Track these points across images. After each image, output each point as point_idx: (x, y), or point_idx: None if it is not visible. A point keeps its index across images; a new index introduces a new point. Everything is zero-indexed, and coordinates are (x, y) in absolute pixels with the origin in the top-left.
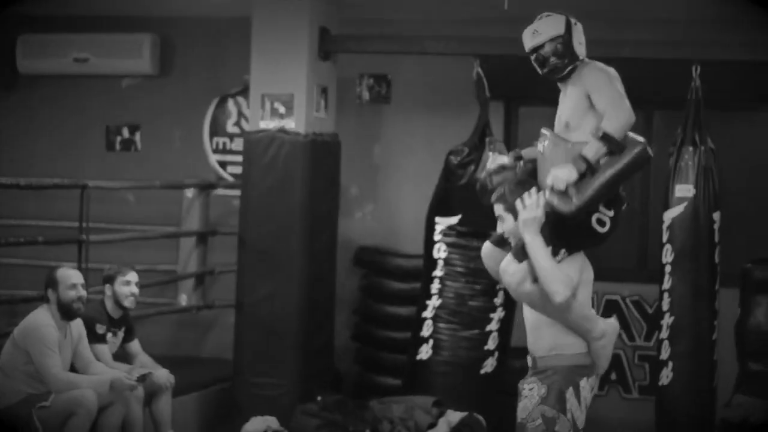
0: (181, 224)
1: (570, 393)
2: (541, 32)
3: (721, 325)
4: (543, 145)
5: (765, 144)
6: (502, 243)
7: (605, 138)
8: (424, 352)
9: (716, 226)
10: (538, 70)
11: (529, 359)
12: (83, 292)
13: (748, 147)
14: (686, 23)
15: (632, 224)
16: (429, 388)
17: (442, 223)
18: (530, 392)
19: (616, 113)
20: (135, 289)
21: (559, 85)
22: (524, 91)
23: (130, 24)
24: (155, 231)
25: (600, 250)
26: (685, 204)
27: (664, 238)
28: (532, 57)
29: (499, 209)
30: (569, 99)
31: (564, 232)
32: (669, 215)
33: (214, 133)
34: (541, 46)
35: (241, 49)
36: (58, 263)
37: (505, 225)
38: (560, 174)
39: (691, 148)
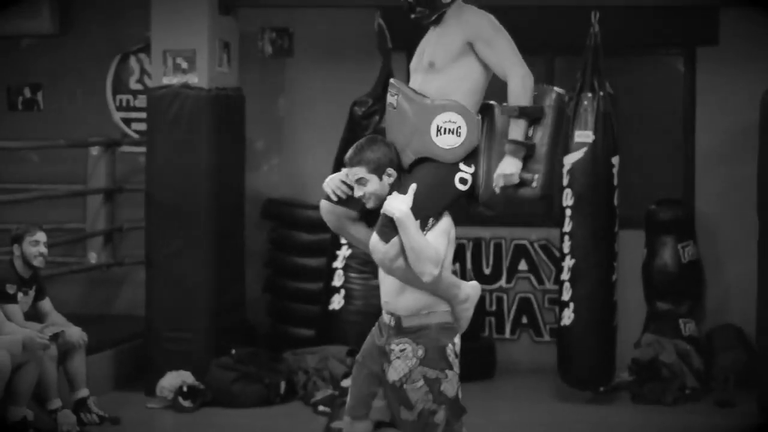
0: (88, 182)
1: (450, 349)
2: None
3: (625, 266)
4: (395, 99)
5: (662, 88)
6: (348, 203)
7: (524, 113)
8: (336, 302)
9: (615, 171)
10: (410, 15)
11: (387, 317)
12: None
13: (646, 91)
14: None
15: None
16: (342, 337)
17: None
18: (402, 353)
19: (520, 76)
20: (43, 249)
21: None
22: None
23: None
24: (62, 189)
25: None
26: (584, 149)
27: (565, 182)
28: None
29: (361, 171)
30: (439, 38)
31: (429, 201)
32: (569, 160)
33: (117, 90)
34: None
35: (142, 5)
36: None
37: (368, 187)
38: (507, 169)
39: (590, 94)
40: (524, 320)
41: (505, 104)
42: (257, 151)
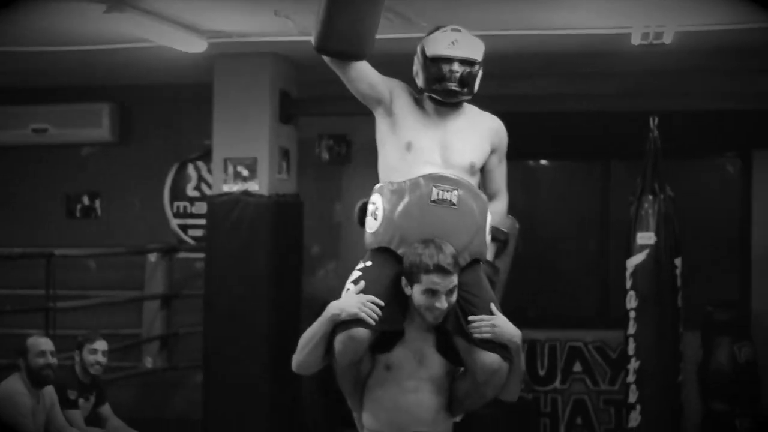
0: (145, 288)
1: None
2: (462, 47)
3: (686, 367)
4: (454, 195)
5: (720, 190)
6: (387, 323)
7: (501, 239)
8: None
9: (678, 272)
10: (437, 80)
11: None
12: (52, 360)
13: (705, 193)
14: (642, 74)
15: (592, 273)
16: None
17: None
18: None
19: (507, 201)
20: (101, 358)
21: (432, 106)
22: None
23: (88, 93)
24: (121, 296)
25: (562, 299)
26: (647, 251)
27: (628, 284)
28: (436, 65)
29: (455, 278)
30: (470, 136)
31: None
32: (632, 262)
33: (174, 197)
34: (453, 61)
35: (199, 114)
36: (26, 331)
37: (453, 297)
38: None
39: (651, 197)
40: (579, 421)
41: (494, 227)
42: (314, 256)
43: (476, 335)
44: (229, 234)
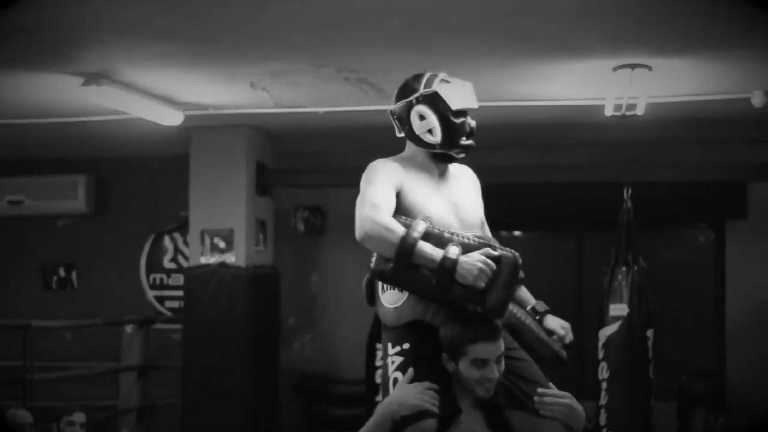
0: (122, 359)
1: None
2: (474, 100)
3: None
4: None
5: (694, 260)
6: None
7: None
8: None
9: (650, 343)
10: (458, 136)
11: None
12: None
13: (678, 264)
14: (615, 145)
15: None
16: None
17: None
18: None
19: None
20: (79, 430)
21: (434, 165)
22: None
23: (64, 165)
24: (98, 367)
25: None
26: (619, 322)
27: (600, 355)
28: (460, 119)
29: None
30: (468, 190)
31: None
32: (604, 333)
33: (150, 269)
34: (468, 113)
35: (176, 185)
36: (3, 403)
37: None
38: (568, 325)
39: (624, 268)
40: None
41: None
42: (290, 328)
43: (544, 412)
44: (206, 305)
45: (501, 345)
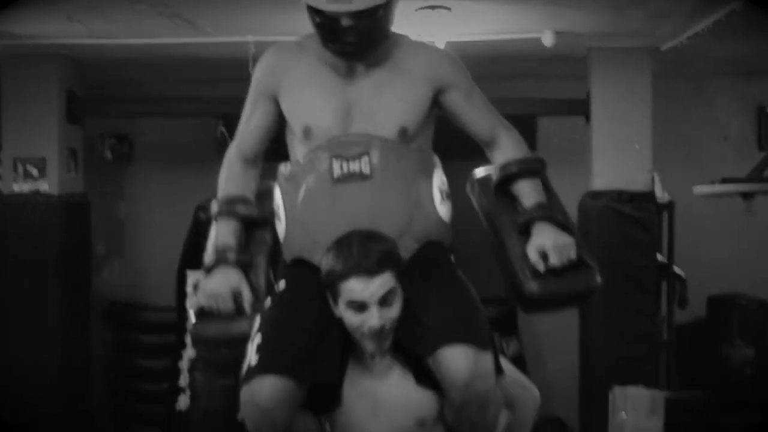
0: None
1: None
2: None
3: None
4: (364, 163)
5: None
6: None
7: (540, 170)
8: (182, 402)
9: None
10: (322, 38)
11: None
12: None
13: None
14: None
15: None
16: None
17: (193, 275)
18: None
19: (512, 135)
20: None
21: (341, 62)
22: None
23: None
24: None
25: None
26: None
27: None
28: (320, 17)
29: (390, 279)
30: (395, 90)
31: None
32: None
33: None
34: (340, 15)
35: None
36: None
37: (395, 307)
38: (559, 239)
39: None
40: None
41: (515, 160)
42: (99, 255)
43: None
44: (20, 234)
45: (386, 282)
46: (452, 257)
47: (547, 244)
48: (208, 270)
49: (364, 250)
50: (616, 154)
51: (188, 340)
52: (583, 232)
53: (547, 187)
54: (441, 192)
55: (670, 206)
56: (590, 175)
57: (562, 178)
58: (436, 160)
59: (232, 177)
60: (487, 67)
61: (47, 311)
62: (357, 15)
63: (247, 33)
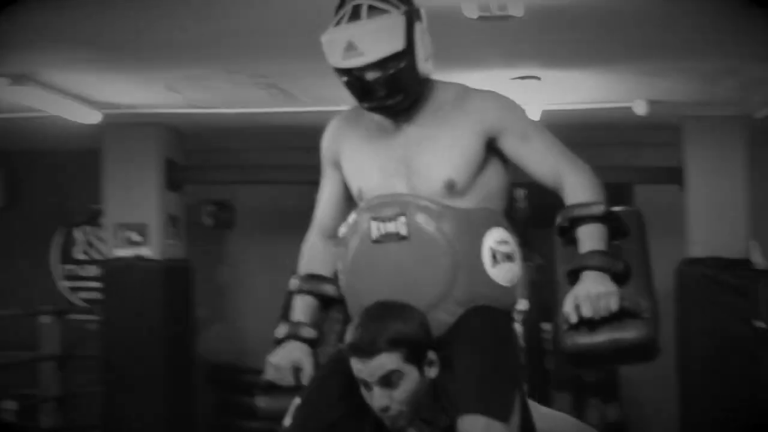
0: (40, 348)
1: None
2: (364, 46)
3: None
4: (402, 224)
5: None
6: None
7: (609, 216)
8: None
9: (546, 336)
10: (355, 97)
11: None
12: None
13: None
14: None
15: None
16: None
17: None
18: None
19: (586, 171)
20: (11, 418)
21: (386, 120)
22: None
23: None
24: (18, 356)
25: None
26: (519, 317)
27: None
28: (344, 77)
29: (392, 360)
30: (441, 140)
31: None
32: None
33: (62, 260)
34: (361, 71)
35: (86, 179)
36: None
37: (403, 386)
38: (595, 288)
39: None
40: None
41: (577, 204)
42: (202, 319)
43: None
44: (123, 297)
45: (384, 363)
46: (510, 322)
47: (581, 294)
48: (278, 343)
49: (366, 328)
50: (712, 221)
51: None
52: (680, 299)
53: (617, 234)
54: (495, 252)
55: None
56: (687, 242)
57: (659, 245)
58: (497, 218)
59: (311, 252)
60: (582, 135)
61: (152, 373)
62: (378, 66)
63: (342, 102)
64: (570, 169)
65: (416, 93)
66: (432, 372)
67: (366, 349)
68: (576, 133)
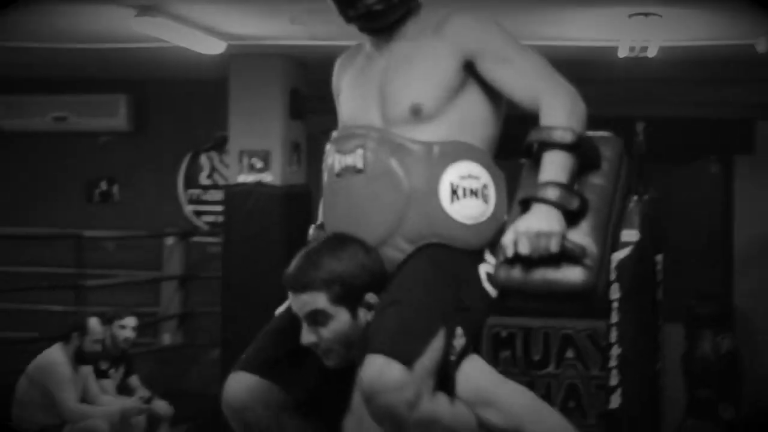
0: (163, 269)
1: None
2: None
3: (669, 356)
4: (360, 156)
5: (704, 192)
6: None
7: (578, 144)
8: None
9: (658, 267)
10: (339, 8)
11: None
12: (100, 348)
13: (689, 195)
14: (628, 82)
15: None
16: None
17: None
18: None
19: (567, 93)
20: (129, 334)
21: (370, 44)
22: None
23: (105, 85)
24: (143, 276)
25: None
26: (630, 247)
27: (613, 277)
28: None
29: (316, 299)
30: (413, 65)
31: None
32: (616, 257)
33: (187, 185)
34: None
35: (212, 108)
36: (50, 307)
37: (329, 328)
38: (537, 224)
39: (635, 197)
40: (572, 404)
41: (547, 126)
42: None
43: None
44: (245, 220)
45: (311, 301)
46: (467, 263)
47: (521, 228)
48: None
49: (300, 263)
50: None
51: None
52: None
53: (593, 166)
54: (456, 188)
55: None
56: None
57: None
58: (466, 150)
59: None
60: (704, 70)
61: (270, 293)
62: None
63: None
64: (549, 90)
65: (402, 12)
66: (370, 315)
67: (293, 285)
68: (695, 70)
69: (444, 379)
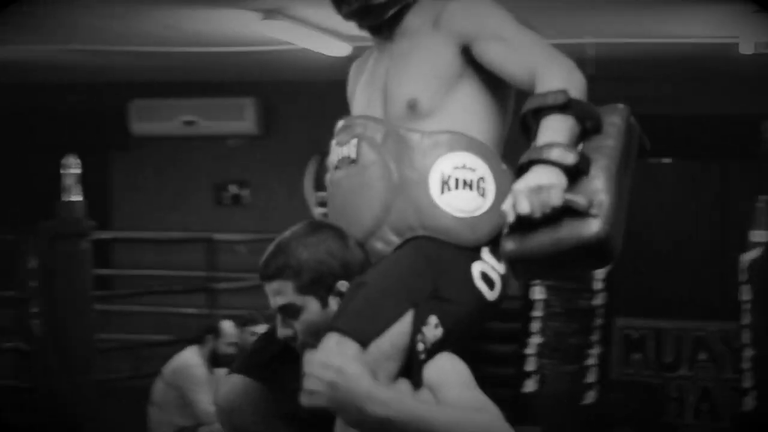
0: None
1: None
2: None
3: None
4: (354, 147)
5: None
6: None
7: (574, 107)
8: (530, 385)
9: None
10: (343, 6)
11: None
12: (234, 351)
13: None
14: (752, 80)
15: (709, 267)
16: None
17: None
18: None
19: (564, 67)
20: None
21: (375, 45)
22: None
23: (233, 89)
24: None
25: (685, 292)
26: (761, 248)
27: (744, 278)
28: None
29: (284, 288)
30: (410, 59)
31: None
32: (747, 257)
33: (315, 187)
34: None
35: (337, 109)
36: (182, 310)
37: (304, 317)
38: (535, 179)
39: (765, 197)
40: (705, 407)
41: (541, 93)
42: None
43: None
44: None
45: (279, 290)
46: (457, 256)
47: (519, 186)
48: None
49: (270, 252)
50: None
51: (534, 327)
52: None
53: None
54: (449, 179)
55: None
56: None
57: None
58: (462, 141)
59: None
60: None
61: None
62: None
63: (587, 35)
64: (543, 62)
65: (396, 7)
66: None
67: (262, 273)
68: None
69: (410, 367)
